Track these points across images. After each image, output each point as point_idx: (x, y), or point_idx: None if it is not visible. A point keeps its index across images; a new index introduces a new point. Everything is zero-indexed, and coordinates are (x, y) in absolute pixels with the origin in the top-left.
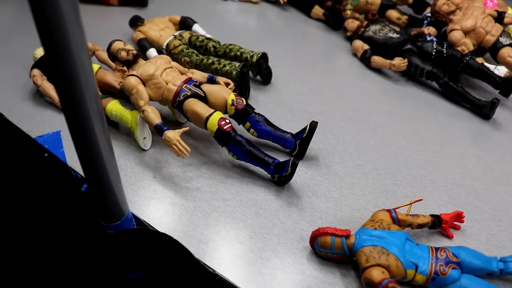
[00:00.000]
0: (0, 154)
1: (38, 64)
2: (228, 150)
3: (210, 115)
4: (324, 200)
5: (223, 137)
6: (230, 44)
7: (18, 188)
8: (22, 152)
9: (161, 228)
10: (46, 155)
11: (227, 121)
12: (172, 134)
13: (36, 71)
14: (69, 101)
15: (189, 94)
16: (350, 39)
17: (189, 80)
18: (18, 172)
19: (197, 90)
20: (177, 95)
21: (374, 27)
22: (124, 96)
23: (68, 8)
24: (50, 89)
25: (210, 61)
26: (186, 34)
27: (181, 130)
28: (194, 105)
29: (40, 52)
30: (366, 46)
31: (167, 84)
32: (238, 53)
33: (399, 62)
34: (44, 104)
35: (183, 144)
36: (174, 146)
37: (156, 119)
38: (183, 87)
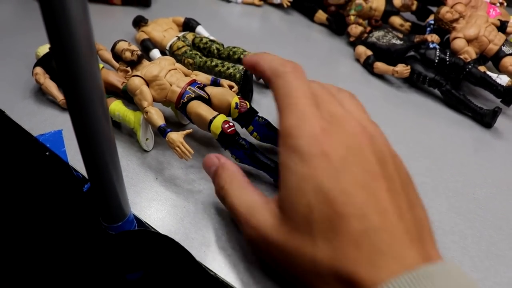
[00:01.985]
0: (1, 151)
1: (41, 62)
2: (231, 153)
3: (214, 117)
4: None
5: (227, 140)
6: (234, 47)
7: (19, 186)
8: (23, 150)
9: (162, 230)
10: (47, 154)
11: (231, 124)
12: (176, 136)
13: (38, 69)
14: (75, 102)
15: (193, 96)
16: (353, 44)
17: (193, 82)
18: (19, 171)
19: (201, 92)
20: (181, 97)
21: (377, 33)
22: (127, 96)
23: (77, 9)
24: (52, 88)
25: (213, 63)
26: (189, 36)
27: (184, 132)
28: (198, 107)
29: (43, 50)
30: (369, 52)
31: (171, 85)
32: (242, 56)
33: (402, 68)
34: (46, 102)
35: (186, 146)
36: (177, 148)
37: (160, 121)
38: (187, 89)
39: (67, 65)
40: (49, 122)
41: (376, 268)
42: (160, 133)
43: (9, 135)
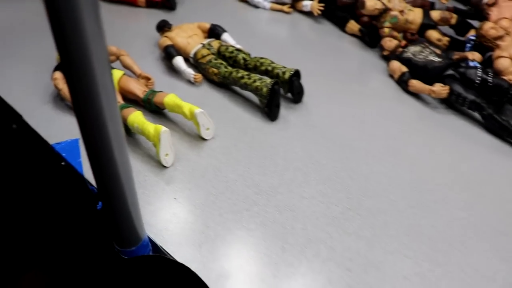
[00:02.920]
0: (15, 158)
1: (61, 66)
2: None
3: None
4: (355, 239)
5: None
6: (261, 58)
7: (32, 199)
8: (39, 159)
9: (178, 257)
10: (63, 164)
11: None
12: None
13: (58, 74)
14: (86, 122)
15: None
16: (386, 58)
17: None
18: (33, 181)
19: None
20: None
21: (413, 48)
22: (147, 106)
23: (89, 19)
24: None
25: (239, 74)
26: (215, 43)
27: None
28: None
29: None
30: (404, 68)
31: None
32: (270, 68)
33: (440, 89)
34: (65, 108)
35: None
36: None
37: None
38: None
39: (79, 81)
40: (66, 130)
41: None
42: None
43: (25, 141)
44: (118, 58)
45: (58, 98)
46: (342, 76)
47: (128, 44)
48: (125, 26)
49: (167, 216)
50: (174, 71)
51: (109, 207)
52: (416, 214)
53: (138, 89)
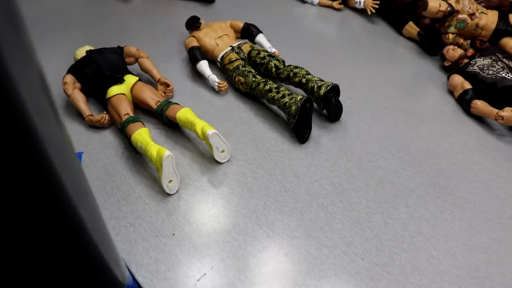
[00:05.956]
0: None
1: (74, 68)
2: None
3: None
4: None
5: None
6: (296, 67)
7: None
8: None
9: None
10: None
11: None
12: None
13: (69, 78)
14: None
15: None
16: (448, 70)
17: None
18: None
19: None
20: None
21: (481, 61)
22: (160, 118)
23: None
24: (80, 101)
25: (267, 87)
26: (246, 47)
27: None
28: None
29: (80, 52)
30: (468, 85)
31: None
32: (304, 80)
33: (511, 114)
34: (74, 115)
35: None
36: None
37: None
38: None
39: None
40: (72, 140)
41: None
42: None
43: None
44: (136, 60)
45: (67, 103)
46: (392, 88)
47: (156, 40)
48: (158, 19)
49: (161, 257)
50: (199, 75)
51: (78, 257)
52: (462, 278)
53: (151, 98)
